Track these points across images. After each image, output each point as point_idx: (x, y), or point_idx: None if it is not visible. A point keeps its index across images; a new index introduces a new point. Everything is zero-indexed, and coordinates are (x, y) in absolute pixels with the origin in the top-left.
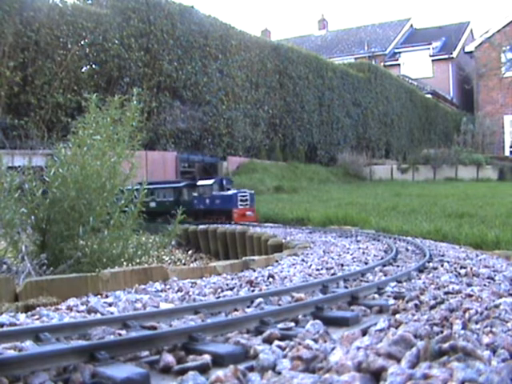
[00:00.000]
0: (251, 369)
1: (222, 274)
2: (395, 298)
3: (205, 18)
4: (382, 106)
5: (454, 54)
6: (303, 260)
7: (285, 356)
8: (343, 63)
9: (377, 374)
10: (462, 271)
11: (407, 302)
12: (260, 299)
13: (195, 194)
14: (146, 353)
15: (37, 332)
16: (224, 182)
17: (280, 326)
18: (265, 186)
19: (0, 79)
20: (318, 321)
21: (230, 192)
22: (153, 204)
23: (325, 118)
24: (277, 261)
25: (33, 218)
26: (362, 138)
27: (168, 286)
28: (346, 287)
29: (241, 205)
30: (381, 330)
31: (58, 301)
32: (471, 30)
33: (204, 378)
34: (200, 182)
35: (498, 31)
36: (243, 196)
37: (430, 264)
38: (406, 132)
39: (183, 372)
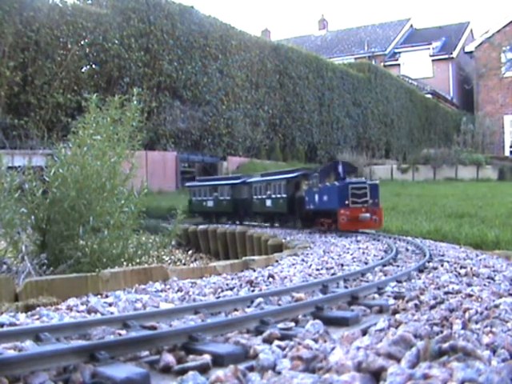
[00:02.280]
0: (251, 369)
1: (221, 274)
2: (395, 298)
3: (205, 18)
4: (382, 106)
5: (454, 54)
6: (303, 260)
7: (285, 356)
8: (343, 63)
9: (377, 374)
10: (462, 271)
11: (407, 301)
12: (260, 299)
13: (305, 188)
14: (146, 353)
15: (37, 332)
16: (340, 168)
17: (280, 325)
18: None
19: (0, 79)
20: (317, 321)
21: (337, 183)
22: (268, 203)
23: (325, 118)
24: (277, 261)
25: (33, 218)
26: (362, 137)
27: (168, 286)
28: (346, 287)
29: (354, 202)
30: (381, 330)
31: (58, 301)
32: (471, 30)
33: (204, 377)
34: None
35: (498, 31)
36: (358, 188)
37: (430, 264)
38: (406, 132)
39: (183, 372)
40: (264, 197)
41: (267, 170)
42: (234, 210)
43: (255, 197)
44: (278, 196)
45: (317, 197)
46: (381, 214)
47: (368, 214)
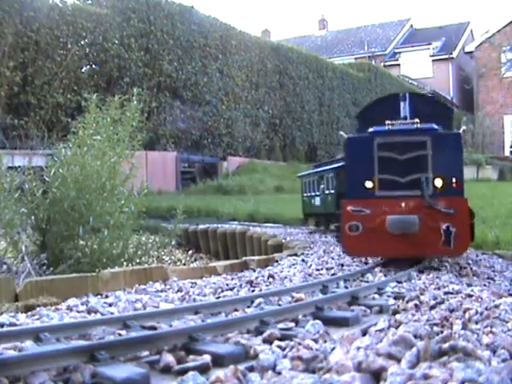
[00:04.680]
0: (251, 369)
1: (221, 274)
2: (395, 298)
3: (205, 18)
4: None
5: (454, 54)
6: (303, 260)
7: (285, 356)
8: (343, 63)
9: (377, 374)
10: (462, 271)
11: (407, 302)
12: (260, 299)
13: None
14: (146, 353)
15: (37, 332)
16: (403, 106)
17: (280, 326)
18: (265, 186)
19: (0, 79)
20: (318, 321)
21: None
22: (317, 201)
23: (325, 118)
24: (277, 261)
25: (33, 218)
26: None
27: (168, 286)
28: (346, 287)
29: (386, 185)
30: (381, 330)
31: (58, 301)
32: (471, 30)
33: (204, 378)
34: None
35: (498, 31)
36: (400, 146)
37: (430, 264)
38: None
39: (183, 372)
40: (312, 194)
41: (267, 170)
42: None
43: (305, 194)
44: (326, 192)
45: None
46: (464, 220)
47: (425, 220)
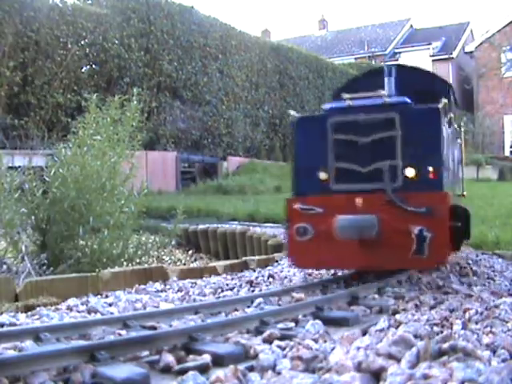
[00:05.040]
0: (251, 369)
1: (221, 274)
2: (395, 298)
3: (205, 18)
4: None
5: (454, 54)
6: None
7: (285, 356)
8: (343, 63)
9: (377, 374)
10: (462, 271)
11: (407, 301)
12: (260, 299)
13: None
14: (146, 353)
15: (37, 332)
16: (387, 81)
17: (280, 326)
18: (265, 186)
19: (0, 79)
20: (318, 321)
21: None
22: None
23: None
24: (277, 261)
25: (33, 218)
26: None
27: (168, 286)
28: (346, 287)
29: (343, 177)
30: (381, 330)
31: (58, 301)
32: (471, 30)
33: (204, 377)
34: None
35: (498, 31)
36: (359, 127)
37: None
38: None
39: (183, 372)
40: None
41: (267, 170)
42: None
43: None
44: None
45: None
46: (442, 222)
47: (389, 222)
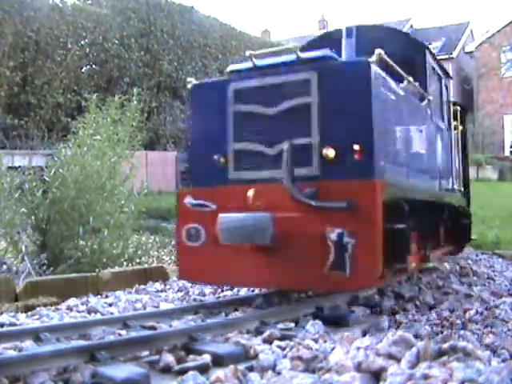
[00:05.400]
0: (251, 369)
1: None
2: (395, 298)
3: (205, 18)
4: None
5: (454, 54)
6: None
7: (285, 356)
8: None
9: (377, 374)
10: (462, 271)
11: (407, 302)
12: (260, 299)
13: None
14: (146, 353)
15: (37, 332)
16: (346, 43)
17: (280, 326)
18: None
19: (0, 79)
20: (317, 321)
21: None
22: None
23: None
24: None
25: (33, 218)
26: None
27: (168, 286)
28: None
29: (240, 165)
30: (381, 330)
31: (58, 301)
32: (471, 30)
33: (204, 377)
34: None
35: (498, 31)
36: (266, 88)
37: (430, 264)
38: None
39: (183, 372)
40: None
41: None
42: None
43: None
44: None
45: None
46: (374, 222)
47: (291, 223)
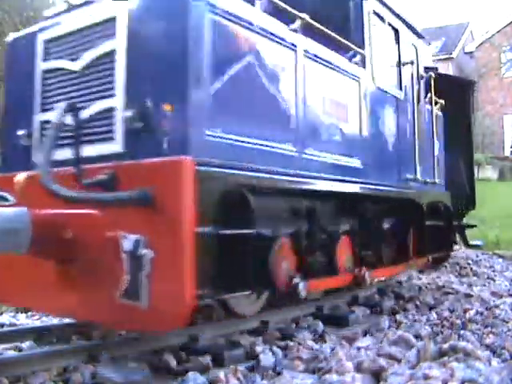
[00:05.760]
0: (251, 369)
1: None
2: (395, 298)
3: None
4: None
5: (454, 54)
6: None
7: (285, 356)
8: None
9: (377, 374)
10: (462, 271)
11: (407, 302)
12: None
13: None
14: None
15: (37, 332)
16: None
17: (280, 326)
18: None
19: (0, 79)
20: (318, 321)
21: None
22: None
23: None
24: None
25: None
26: None
27: None
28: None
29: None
30: (381, 330)
31: None
32: (471, 30)
33: (204, 377)
34: None
35: (498, 31)
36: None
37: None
38: None
39: (183, 372)
40: None
41: None
42: None
43: None
44: None
45: None
46: (179, 227)
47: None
